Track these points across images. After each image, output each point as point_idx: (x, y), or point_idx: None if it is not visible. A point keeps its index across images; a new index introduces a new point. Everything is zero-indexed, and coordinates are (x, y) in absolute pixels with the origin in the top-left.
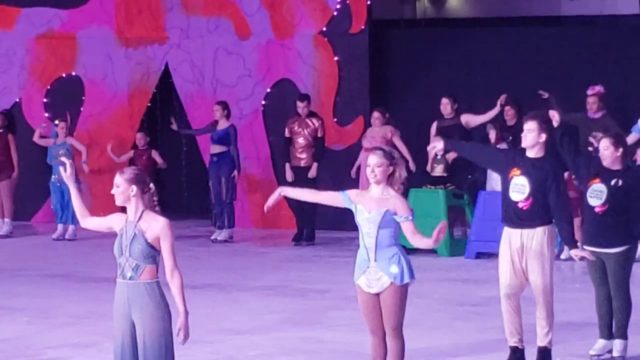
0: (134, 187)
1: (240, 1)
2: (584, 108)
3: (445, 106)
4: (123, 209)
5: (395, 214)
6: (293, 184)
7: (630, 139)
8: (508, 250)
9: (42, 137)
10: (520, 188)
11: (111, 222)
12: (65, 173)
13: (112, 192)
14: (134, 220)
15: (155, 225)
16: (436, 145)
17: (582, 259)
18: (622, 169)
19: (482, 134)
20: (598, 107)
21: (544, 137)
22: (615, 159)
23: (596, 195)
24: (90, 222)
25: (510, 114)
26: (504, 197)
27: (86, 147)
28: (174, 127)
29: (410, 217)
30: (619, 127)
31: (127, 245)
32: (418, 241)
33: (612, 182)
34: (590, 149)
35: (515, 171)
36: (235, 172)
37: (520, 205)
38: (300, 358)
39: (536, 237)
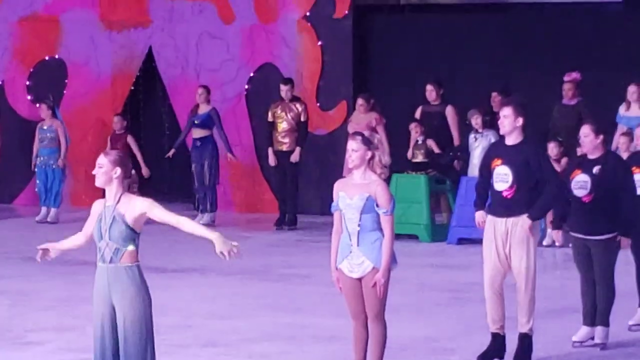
0: (118, 169)
1: None
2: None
3: (430, 92)
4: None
5: (376, 201)
6: (276, 168)
7: (619, 130)
8: (492, 236)
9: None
10: (503, 177)
11: (93, 216)
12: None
13: (94, 172)
14: (113, 203)
15: (135, 204)
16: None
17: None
18: (603, 154)
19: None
20: (574, 93)
21: (520, 121)
22: (596, 146)
23: (581, 186)
24: (84, 236)
25: (496, 101)
26: (490, 189)
27: (67, 142)
28: (170, 154)
29: (390, 212)
30: (595, 115)
31: (106, 229)
32: (385, 242)
33: (594, 170)
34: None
35: (497, 161)
36: (229, 154)
37: (505, 194)
38: (281, 343)
39: (520, 223)
